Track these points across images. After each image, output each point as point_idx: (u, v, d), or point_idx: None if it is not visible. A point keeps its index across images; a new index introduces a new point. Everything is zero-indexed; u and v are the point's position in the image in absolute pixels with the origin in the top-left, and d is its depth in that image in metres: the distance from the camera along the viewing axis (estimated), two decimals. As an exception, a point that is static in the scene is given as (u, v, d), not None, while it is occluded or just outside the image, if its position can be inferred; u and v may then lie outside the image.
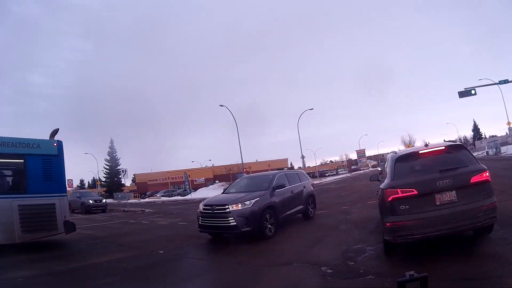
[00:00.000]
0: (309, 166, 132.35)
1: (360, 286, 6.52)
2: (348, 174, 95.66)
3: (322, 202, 22.49)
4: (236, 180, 17.69)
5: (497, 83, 44.85)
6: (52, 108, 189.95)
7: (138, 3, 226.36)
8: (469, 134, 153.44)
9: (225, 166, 66.79)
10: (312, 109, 68.72)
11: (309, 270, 7.61)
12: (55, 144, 13.68)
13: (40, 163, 12.98)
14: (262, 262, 9.17)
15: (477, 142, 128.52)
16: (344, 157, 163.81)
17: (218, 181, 62.88)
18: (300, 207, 15.30)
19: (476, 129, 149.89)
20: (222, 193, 15.70)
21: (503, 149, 76.15)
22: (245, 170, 56.62)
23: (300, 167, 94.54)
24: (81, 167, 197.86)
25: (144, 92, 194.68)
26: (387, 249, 8.19)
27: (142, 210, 33.53)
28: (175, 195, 68.12)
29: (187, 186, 66.50)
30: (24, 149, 12.84)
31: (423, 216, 7.09)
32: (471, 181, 7.22)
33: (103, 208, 37.59)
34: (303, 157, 62.93)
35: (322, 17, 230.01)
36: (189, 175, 74.17)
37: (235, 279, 8.09)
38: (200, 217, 12.92)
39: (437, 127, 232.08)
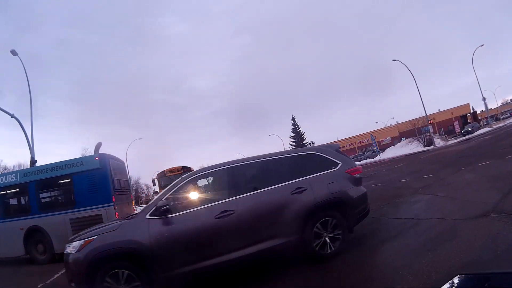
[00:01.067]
0: (491, 109, 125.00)
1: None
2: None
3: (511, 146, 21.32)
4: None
5: None
6: (227, 105, 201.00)
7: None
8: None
9: (409, 122, 64.94)
10: (483, 45, 62.12)
11: (506, 220, 7.40)
12: (96, 158, 15.04)
13: (85, 179, 14.60)
14: (457, 216, 8.80)
15: None
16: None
17: (404, 138, 61.54)
18: (272, 242, 7.34)
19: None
20: None
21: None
22: (430, 122, 55.11)
23: (483, 110, 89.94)
24: (266, 149, 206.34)
25: (311, 64, 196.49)
26: None
27: None
28: (364, 159, 68.58)
29: (375, 148, 68.29)
30: (69, 169, 14.86)
31: None
32: None
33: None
34: (484, 99, 59.54)
35: None
36: (375, 136, 74.29)
37: (436, 234, 7.99)
38: None
39: None
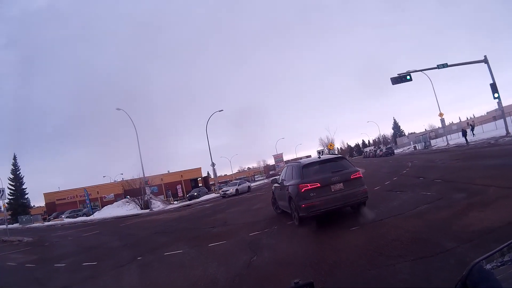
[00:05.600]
0: (226, 174, 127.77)
1: None
2: (266, 180, 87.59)
3: (225, 223, 17.23)
4: None
5: (435, 68, 41.65)
6: None
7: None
8: (389, 132, 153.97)
9: (127, 181, 59.51)
10: (222, 110, 60.72)
11: None
12: None
13: None
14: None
15: (399, 139, 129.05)
16: (261, 163, 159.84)
17: (129, 196, 55.49)
18: None
19: (396, 126, 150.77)
20: None
21: (432, 142, 74.70)
22: (148, 182, 49.73)
23: (207, 174, 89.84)
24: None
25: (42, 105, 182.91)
26: (300, 222, 11.99)
27: (19, 240, 27.36)
28: (80, 215, 59.67)
29: (88, 205, 61.51)
30: None
31: (324, 198, 11.13)
32: (351, 177, 11.67)
33: (-25, 240, 30.59)
34: (213, 164, 57.07)
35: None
36: (97, 192, 68.09)
37: None
38: None
39: (358, 126, 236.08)
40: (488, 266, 1.77)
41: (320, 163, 12.50)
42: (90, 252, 16.43)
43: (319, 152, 44.64)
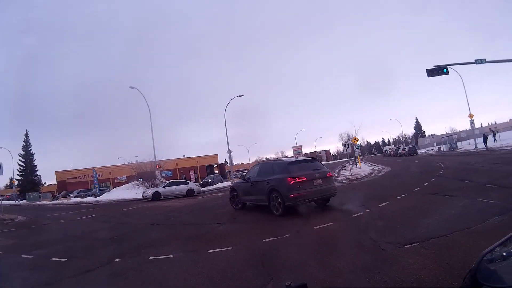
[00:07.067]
0: (243, 163, 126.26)
1: None
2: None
3: (234, 219, 15.05)
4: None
5: (473, 62, 38.56)
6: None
7: None
8: (410, 131, 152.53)
9: (145, 163, 57.25)
10: (242, 95, 56.67)
11: None
12: None
13: None
14: None
15: (420, 139, 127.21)
16: (280, 154, 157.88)
17: (142, 179, 53.16)
18: None
19: (418, 126, 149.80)
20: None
21: (459, 144, 70.59)
22: (157, 166, 49.04)
23: (224, 162, 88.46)
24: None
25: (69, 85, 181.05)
26: (284, 211, 13.30)
27: (11, 219, 25.77)
28: (89, 195, 58.34)
29: (96, 185, 59.78)
30: None
31: (309, 190, 13.44)
32: (327, 175, 14.35)
33: (-41, 220, 28.60)
34: (229, 151, 53.78)
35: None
36: (109, 172, 70.64)
37: None
38: None
39: (379, 124, 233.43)
40: (492, 256, 1.83)
41: (301, 162, 15.22)
42: (70, 242, 14.46)
43: (344, 145, 42.87)
